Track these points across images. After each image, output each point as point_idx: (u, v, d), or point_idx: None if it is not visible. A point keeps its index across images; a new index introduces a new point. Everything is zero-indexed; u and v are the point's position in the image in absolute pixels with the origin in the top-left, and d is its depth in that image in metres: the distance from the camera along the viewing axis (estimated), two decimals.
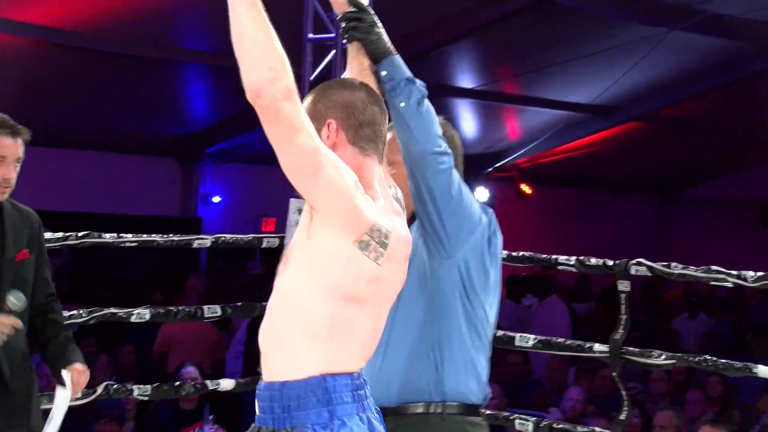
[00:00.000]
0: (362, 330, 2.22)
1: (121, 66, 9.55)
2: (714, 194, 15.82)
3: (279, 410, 2.08)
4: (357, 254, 2.08)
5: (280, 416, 2.07)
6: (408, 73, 2.59)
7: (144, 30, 9.00)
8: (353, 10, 2.53)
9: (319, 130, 2.03)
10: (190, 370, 6.32)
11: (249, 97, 1.84)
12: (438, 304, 2.59)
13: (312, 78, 6.10)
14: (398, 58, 2.59)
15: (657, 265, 4.10)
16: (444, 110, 3.32)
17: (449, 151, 2.57)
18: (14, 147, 3.18)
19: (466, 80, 11.66)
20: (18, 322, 3.14)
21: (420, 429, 2.57)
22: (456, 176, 2.59)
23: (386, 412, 2.35)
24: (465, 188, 2.62)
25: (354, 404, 2.18)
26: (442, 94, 10.77)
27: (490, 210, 2.72)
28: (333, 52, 5.94)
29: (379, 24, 2.55)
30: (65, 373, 3.19)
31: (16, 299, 3.13)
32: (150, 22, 8.82)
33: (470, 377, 2.59)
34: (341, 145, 2.11)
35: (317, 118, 2.07)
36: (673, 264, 4.16)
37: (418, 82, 2.60)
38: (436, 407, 2.57)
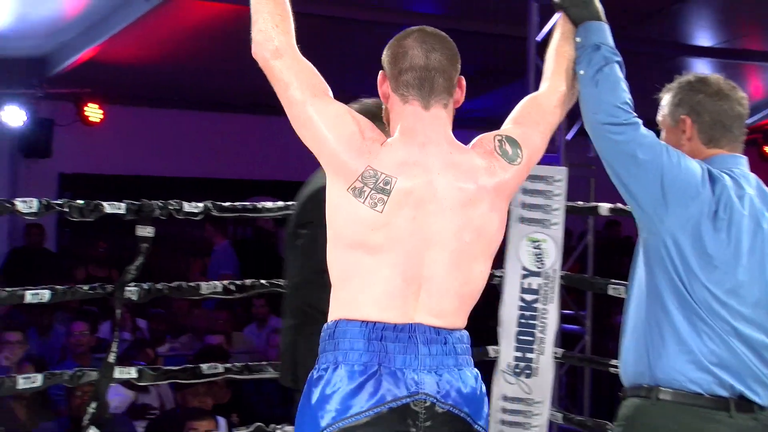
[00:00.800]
0: (381, 278, 2.26)
1: (345, 30, 9.76)
2: None
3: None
4: (352, 201, 2.21)
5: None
6: (600, 39, 2.56)
7: None
8: None
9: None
10: None
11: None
12: (647, 283, 2.51)
13: (538, 38, 6.41)
14: (596, 24, 2.58)
15: None
16: (682, 71, 3.80)
17: (632, 120, 2.46)
18: None
19: (704, 38, 11.46)
20: None
21: (633, 412, 2.53)
22: (645, 145, 2.49)
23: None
24: (669, 157, 2.47)
25: (367, 352, 2.24)
26: (679, 53, 11.13)
27: (724, 181, 2.49)
28: (559, 13, 6.24)
29: None
30: None
31: None
32: None
33: (686, 363, 2.44)
34: (390, 95, 2.29)
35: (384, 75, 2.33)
36: None
37: (607, 48, 2.56)
38: (648, 392, 2.49)
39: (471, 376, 2.40)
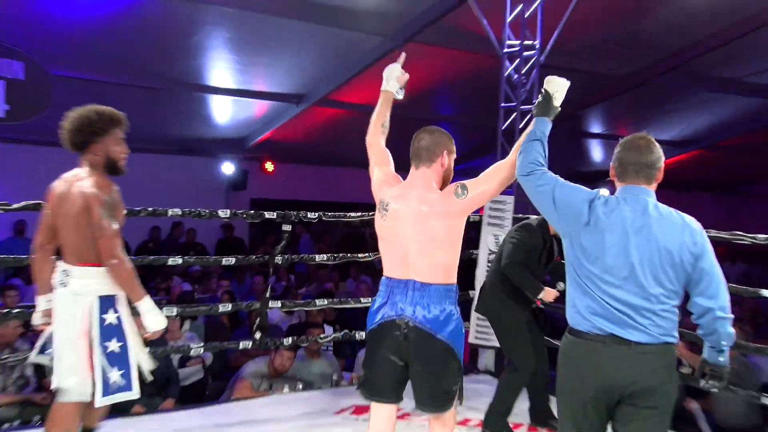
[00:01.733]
0: (388, 254, 3.32)
1: (396, 126, 11.98)
2: None
3: None
4: (377, 214, 3.31)
5: None
6: (540, 128, 3.26)
7: (420, 102, 11.34)
8: (540, 98, 3.32)
9: None
10: None
11: None
12: (566, 263, 3.12)
13: (503, 128, 7.83)
14: (542, 119, 3.29)
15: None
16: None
17: (537, 170, 3.16)
18: None
19: (597, 128, 15.04)
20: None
21: (562, 342, 3.15)
22: (542, 183, 3.12)
23: None
24: (558, 188, 3.10)
25: (384, 292, 3.32)
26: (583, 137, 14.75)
27: (608, 202, 3.04)
28: (515, 114, 7.77)
29: (554, 101, 3.30)
30: None
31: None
32: (418, 98, 10.87)
33: (576, 314, 3.05)
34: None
35: None
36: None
37: (540, 133, 3.24)
38: (567, 331, 3.10)
39: (436, 309, 3.23)
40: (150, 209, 5.45)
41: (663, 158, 3.06)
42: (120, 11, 8.69)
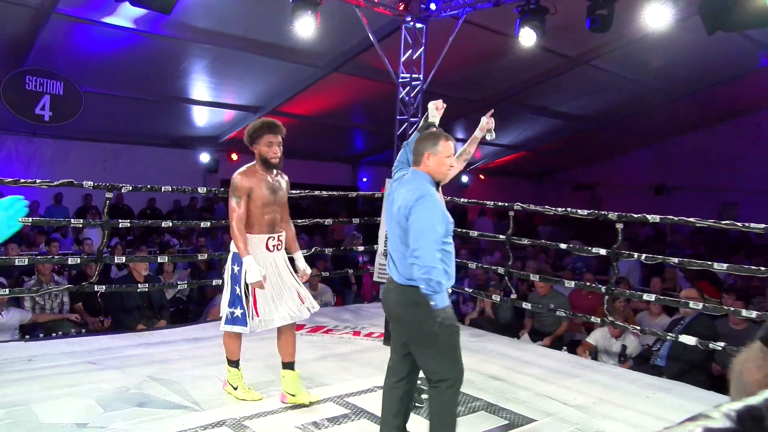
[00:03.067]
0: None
1: (325, 130, 12.45)
2: None
3: None
4: None
5: None
6: (412, 139, 3.03)
7: (337, 114, 12.25)
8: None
9: None
10: None
11: None
12: None
13: (398, 133, 7.82)
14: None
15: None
16: None
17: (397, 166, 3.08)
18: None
19: None
20: None
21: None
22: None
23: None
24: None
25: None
26: None
27: (395, 181, 2.93)
28: (406, 124, 7.84)
29: (430, 116, 3.25)
30: None
31: None
32: (340, 111, 12.21)
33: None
34: None
35: None
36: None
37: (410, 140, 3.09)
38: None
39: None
40: (149, 186, 5.35)
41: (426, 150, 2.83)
42: (132, 46, 8.82)
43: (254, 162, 3.63)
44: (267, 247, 3.58)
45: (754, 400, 0.60)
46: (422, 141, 2.82)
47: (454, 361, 2.78)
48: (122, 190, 5.05)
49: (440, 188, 2.89)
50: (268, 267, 3.56)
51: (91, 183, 4.89)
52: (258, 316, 3.55)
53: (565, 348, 5.65)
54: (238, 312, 3.54)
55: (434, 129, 2.99)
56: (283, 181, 3.75)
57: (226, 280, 3.62)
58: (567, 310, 5.67)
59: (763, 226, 3.98)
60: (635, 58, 10.37)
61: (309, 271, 3.81)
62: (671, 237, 11.75)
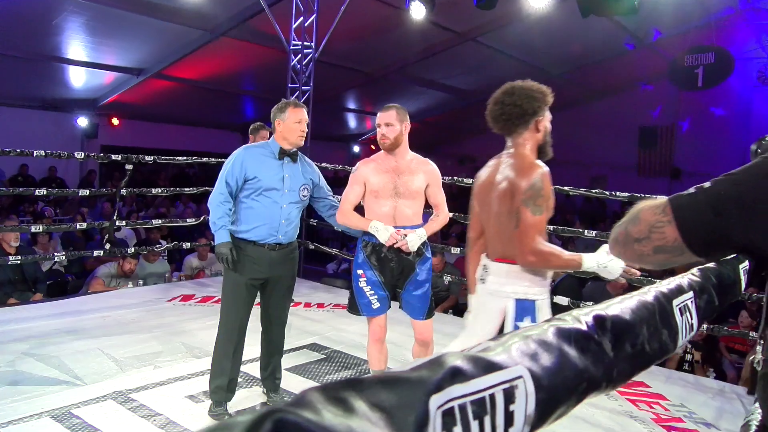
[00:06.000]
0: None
1: (213, 97, 11.96)
2: None
3: None
4: None
5: None
6: None
7: (226, 80, 11.68)
8: None
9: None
10: None
11: None
12: None
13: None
14: None
15: None
16: None
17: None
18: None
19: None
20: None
21: None
22: None
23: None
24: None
25: None
26: None
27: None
28: (297, 92, 7.70)
29: None
30: None
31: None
32: (229, 77, 11.68)
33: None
34: None
35: None
36: None
37: None
38: None
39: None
40: (18, 150, 4.90)
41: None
42: None
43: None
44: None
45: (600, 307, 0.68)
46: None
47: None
48: None
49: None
50: None
51: None
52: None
53: (450, 311, 5.81)
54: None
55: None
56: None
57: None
58: (459, 277, 5.62)
59: (627, 194, 4.29)
60: (517, 36, 10.75)
61: None
62: None
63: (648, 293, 0.75)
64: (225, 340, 3.10)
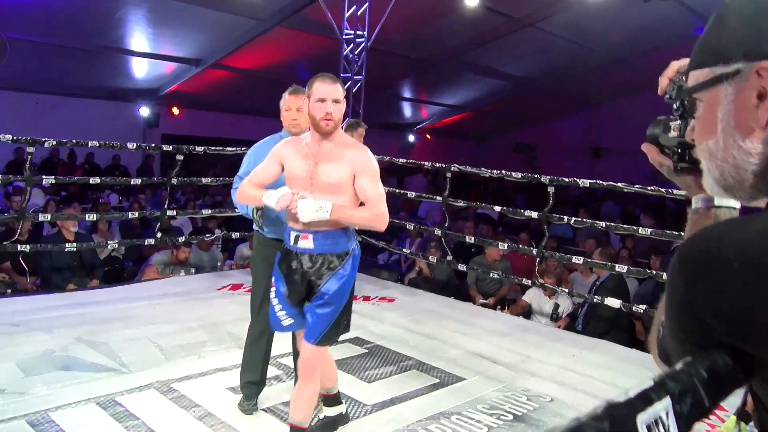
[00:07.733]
0: None
1: (268, 86, 11.11)
2: None
3: None
4: None
5: None
6: None
7: (280, 69, 11.23)
8: None
9: None
10: None
11: None
12: None
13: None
14: None
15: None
16: None
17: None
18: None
19: None
20: None
21: None
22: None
23: None
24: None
25: None
26: None
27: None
28: (349, 81, 7.95)
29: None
30: None
31: None
32: (283, 66, 11.31)
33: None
34: None
35: None
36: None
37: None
38: None
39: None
40: (74, 141, 5.12)
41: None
42: None
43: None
44: None
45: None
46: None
47: None
48: (45, 145, 4.72)
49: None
50: None
51: (10, 137, 4.51)
52: None
53: (499, 308, 5.66)
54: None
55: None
56: None
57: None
58: (508, 273, 5.61)
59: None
60: (576, 21, 10.35)
61: None
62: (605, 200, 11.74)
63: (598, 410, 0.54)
64: (255, 332, 3.04)
